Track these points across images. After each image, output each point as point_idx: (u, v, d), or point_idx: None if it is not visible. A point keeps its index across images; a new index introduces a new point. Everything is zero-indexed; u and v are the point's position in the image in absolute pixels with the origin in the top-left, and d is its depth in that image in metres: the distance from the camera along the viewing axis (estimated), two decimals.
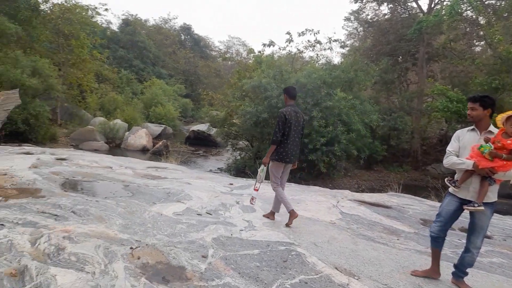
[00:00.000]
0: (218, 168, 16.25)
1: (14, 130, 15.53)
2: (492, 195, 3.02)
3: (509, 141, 2.81)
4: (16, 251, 3.03)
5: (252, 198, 5.00)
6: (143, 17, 53.74)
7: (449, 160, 3.14)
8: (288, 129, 4.55)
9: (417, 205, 6.92)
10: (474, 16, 17.81)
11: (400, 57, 21.92)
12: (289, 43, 16.88)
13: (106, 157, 10.61)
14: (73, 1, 22.17)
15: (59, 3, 21.89)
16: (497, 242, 4.88)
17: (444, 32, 18.85)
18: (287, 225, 4.60)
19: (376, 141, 16.86)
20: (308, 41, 17.45)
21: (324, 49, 17.80)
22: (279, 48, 18.13)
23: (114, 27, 40.40)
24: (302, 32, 16.53)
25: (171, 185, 6.55)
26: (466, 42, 19.59)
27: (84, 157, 9.35)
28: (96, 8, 24.23)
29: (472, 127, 3.14)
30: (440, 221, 3.21)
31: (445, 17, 15.95)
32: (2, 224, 3.62)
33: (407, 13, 21.81)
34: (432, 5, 19.80)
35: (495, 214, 4.68)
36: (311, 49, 17.71)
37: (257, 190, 4.87)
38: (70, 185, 5.84)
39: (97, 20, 25.91)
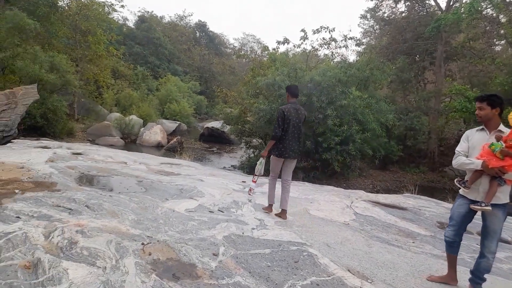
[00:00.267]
0: (231, 166, 16.27)
1: (33, 124, 15.89)
2: (502, 196, 2.94)
3: None
4: (31, 244, 3.06)
5: (250, 189, 5.19)
6: (159, 14, 54.30)
7: (458, 161, 3.11)
8: (287, 126, 4.67)
9: (434, 207, 6.75)
10: (494, 14, 17.30)
11: (417, 56, 21.49)
12: (304, 40, 16.68)
13: (121, 152, 10.73)
14: None
15: None
16: None
17: (463, 31, 18.41)
18: (264, 208, 5.05)
19: (392, 141, 16.59)
20: (323, 38, 17.30)
21: (340, 47, 17.53)
22: (294, 46, 18.02)
23: (130, 23, 41.02)
24: (317, 29, 16.29)
25: (184, 182, 6.56)
26: (486, 41, 19.07)
27: (100, 152, 9.46)
28: (112, 4, 24.63)
29: (481, 127, 3.10)
30: (453, 225, 3.14)
31: (464, 15, 15.54)
32: (18, 217, 3.67)
33: (425, 11, 21.36)
34: (451, 3, 19.33)
35: None
36: (326, 47, 17.46)
37: (255, 182, 5.11)
38: (85, 180, 5.90)
39: (113, 17, 26.33)
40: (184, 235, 3.77)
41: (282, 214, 4.88)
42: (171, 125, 24.73)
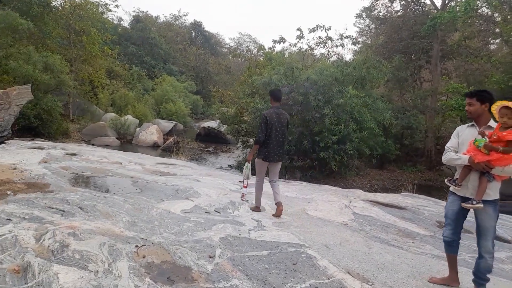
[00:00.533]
0: (228, 165, 16.17)
1: (27, 125, 15.69)
2: (492, 192, 2.91)
3: (504, 133, 2.75)
4: (21, 247, 2.97)
5: (243, 195, 5.25)
6: (154, 14, 54.11)
7: (446, 156, 3.12)
8: (270, 130, 4.83)
9: (433, 206, 6.69)
10: (489, 13, 17.36)
11: (413, 55, 21.52)
12: (300, 39, 16.59)
13: (116, 152, 10.61)
14: None
15: None
16: None
17: (458, 29, 18.45)
18: (251, 208, 5.12)
19: (389, 140, 16.56)
20: (319, 37, 17.12)
21: (336, 46, 17.49)
22: (290, 45, 17.88)
23: (125, 23, 40.79)
24: (313, 28, 16.22)
25: (180, 182, 6.47)
26: (482, 39, 19.12)
27: (94, 152, 9.35)
28: (106, 4, 24.41)
29: (471, 123, 3.09)
30: (449, 223, 3.12)
31: (459, 13, 15.52)
32: (9, 219, 3.58)
33: (421, 9, 21.38)
34: (446, 1, 19.33)
35: None
36: (322, 45, 17.36)
37: (246, 187, 5.19)
38: (79, 181, 5.80)
39: (108, 17, 26.07)
40: (179, 237, 3.68)
41: (278, 206, 4.94)
42: (167, 125, 24.59)
